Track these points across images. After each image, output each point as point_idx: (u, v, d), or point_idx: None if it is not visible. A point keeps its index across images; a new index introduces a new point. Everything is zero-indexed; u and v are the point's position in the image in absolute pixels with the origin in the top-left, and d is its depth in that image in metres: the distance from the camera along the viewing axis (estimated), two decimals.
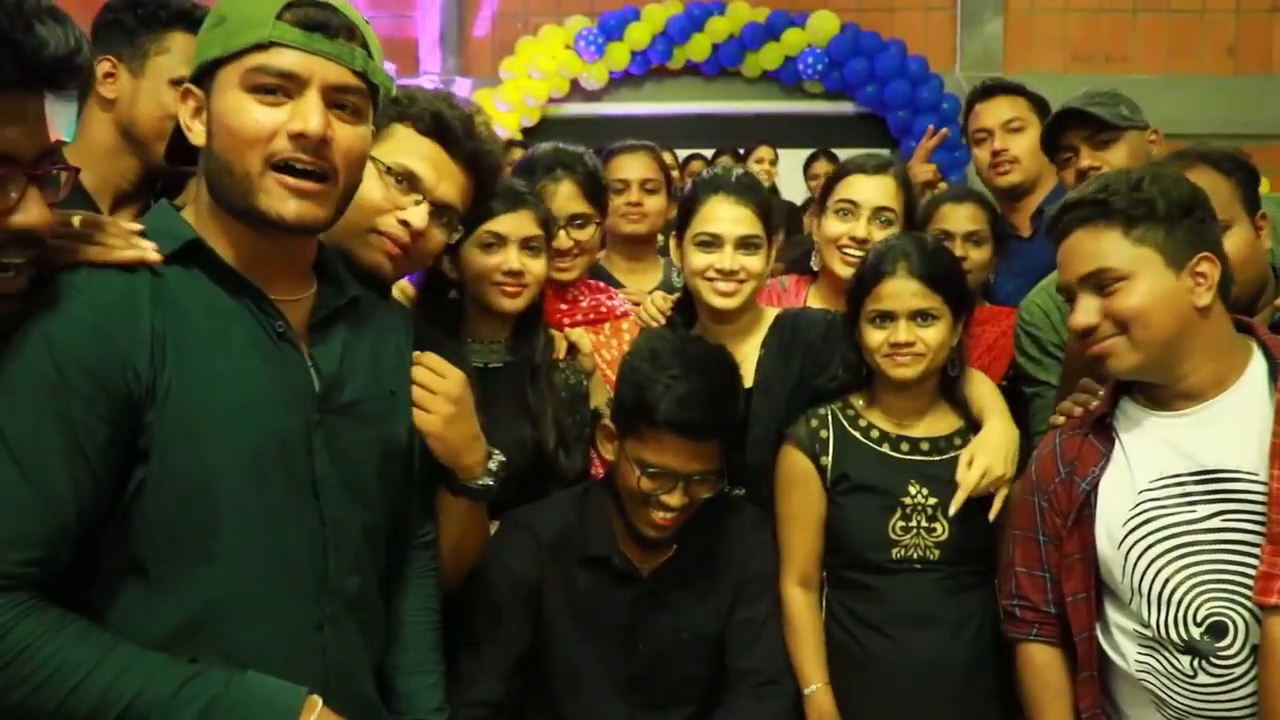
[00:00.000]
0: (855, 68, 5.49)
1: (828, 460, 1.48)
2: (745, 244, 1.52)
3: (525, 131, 5.52)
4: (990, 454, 1.37)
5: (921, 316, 1.42)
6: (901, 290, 1.42)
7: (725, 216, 1.53)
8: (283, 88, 0.92)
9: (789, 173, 5.06)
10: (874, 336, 1.45)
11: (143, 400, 0.89)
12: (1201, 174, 1.32)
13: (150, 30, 1.39)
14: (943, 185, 2.69)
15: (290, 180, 0.93)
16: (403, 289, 1.47)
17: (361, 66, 0.96)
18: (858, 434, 1.49)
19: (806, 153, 4.99)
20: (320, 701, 0.90)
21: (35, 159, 0.85)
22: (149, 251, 0.93)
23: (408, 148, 1.16)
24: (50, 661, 0.83)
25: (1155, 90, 6.10)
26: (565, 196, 1.72)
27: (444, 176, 1.19)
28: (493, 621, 1.36)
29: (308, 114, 0.91)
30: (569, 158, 1.76)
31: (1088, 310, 1.19)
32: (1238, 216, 1.33)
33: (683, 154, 4.93)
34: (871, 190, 1.73)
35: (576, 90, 5.64)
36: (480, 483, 1.19)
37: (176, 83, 1.22)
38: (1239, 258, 1.28)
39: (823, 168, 4.61)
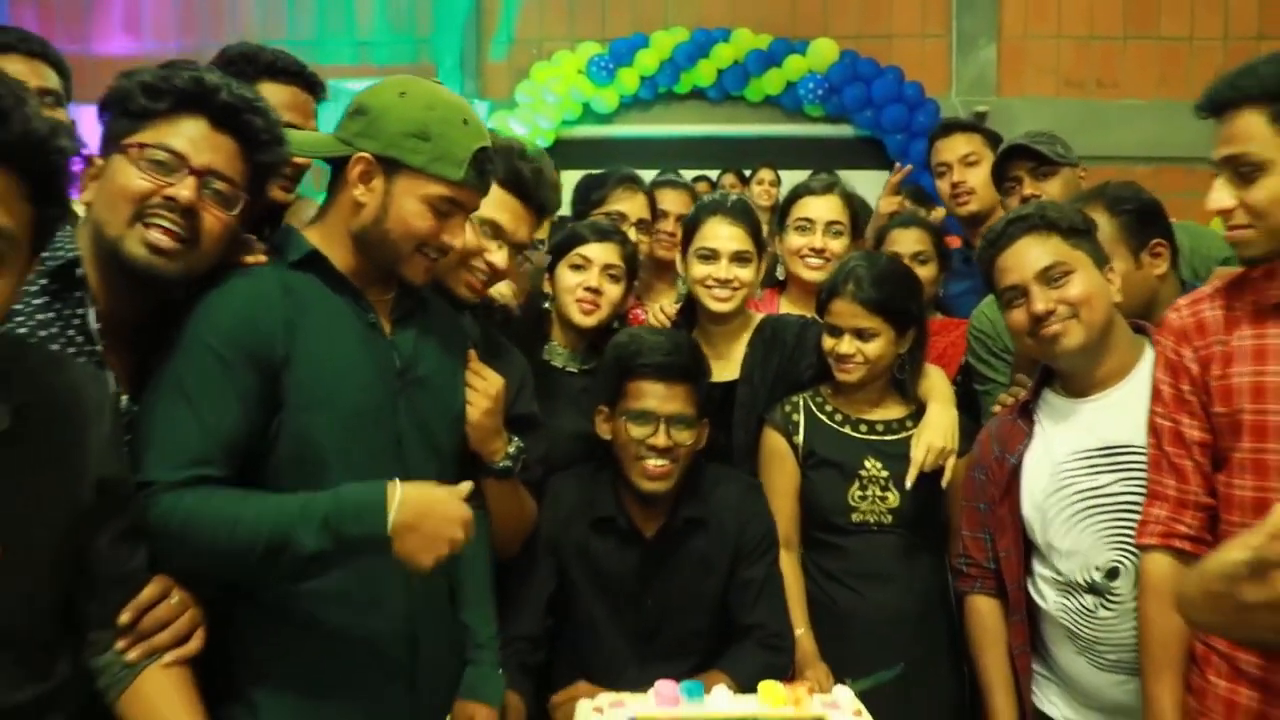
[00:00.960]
0: (854, 93, 5.63)
1: (799, 439, 1.70)
2: (738, 258, 1.77)
3: None
4: (932, 434, 1.60)
5: (861, 334, 1.65)
6: (845, 310, 1.65)
7: (722, 234, 1.79)
8: (452, 213, 1.27)
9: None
10: (827, 342, 1.69)
11: (279, 366, 1.17)
12: (1096, 211, 1.56)
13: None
14: (938, 210, 2.85)
15: (427, 263, 1.29)
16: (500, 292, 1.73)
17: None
18: (824, 417, 1.71)
19: (807, 174, 5.12)
20: (399, 483, 1.14)
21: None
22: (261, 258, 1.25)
23: (494, 201, 1.42)
24: (212, 517, 1.10)
25: (1144, 115, 6.27)
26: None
27: (520, 223, 1.49)
28: (527, 573, 1.59)
29: (461, 234, 1.30)
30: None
31: (1047, 299, 1.41)
32: (1115, 251, 1.55)
33: (690, 174, 5.11)
34: (822, 208, 2.01)
35: (588, 113, 5.82)
36: (501, 464, 1.43)
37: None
38: (1135, 289, 1.53)
39: (766, 175, 4.93)
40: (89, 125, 1.27)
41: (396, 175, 1.24)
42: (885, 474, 1.64)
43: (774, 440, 1.73)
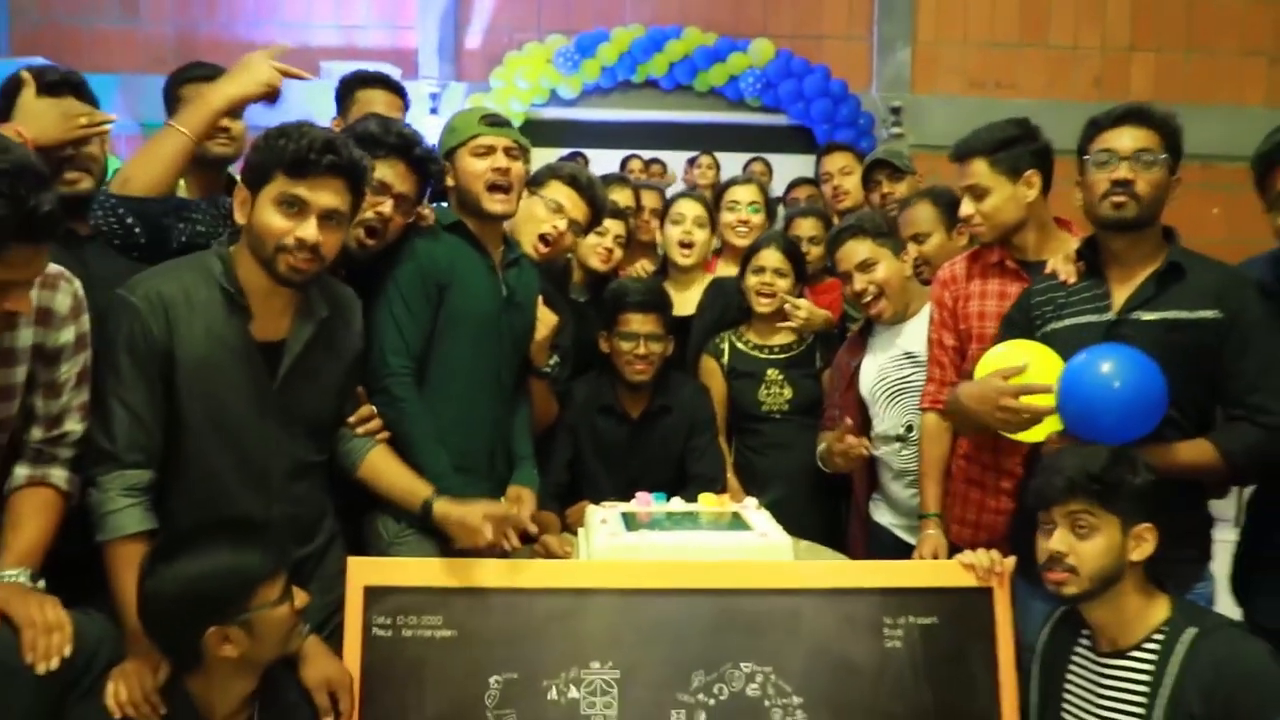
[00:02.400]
0: (787, 87, 6.29)
1: (725, 360, 2.50)
2: (699, 223, 2.62)
3: None
4: (810, 310, 2.45)
5: (779, 273, 2.46)
6: (770, 257, 2.45)
7: (687, 211, 2.63)
8: (490, 150, 1.93)
9: (731, 173, 5.89)
10: (750, 280, 2.47)
11: (442, 295, 1.86)
12: (925, 201, 2.40)
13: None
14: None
15: (498, 194, 1.94)
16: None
17: (517, 139, 1.97)
18: (741, 345, 2.51)
19: (746, 157, 5.76)
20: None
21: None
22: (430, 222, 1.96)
23: (560, 193, 2.19)
24: (416, 423, 1.85)
25: (1036, 112, 6.75)
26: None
27: (576, 207, 2.21)
28: (554, 443, 2.35)
29: (502, 160, 1.94)
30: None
31: (862, 281, 2.22)
32: (937, 229, 2.37)
33: (646, 154, 5.76)
34: (745, 193, 2.81)
35: (555, 98, 6.38)
36: (545, 370, 2.17)
37: None
38: (941, 253, 2.33)
39: (759, 169, 5.44)
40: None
41: (455, 158, 1.98)
42: (781, 378, 2.45)
43: (709, 364, 2.54)
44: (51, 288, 1.45)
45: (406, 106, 2.39)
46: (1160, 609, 1.54)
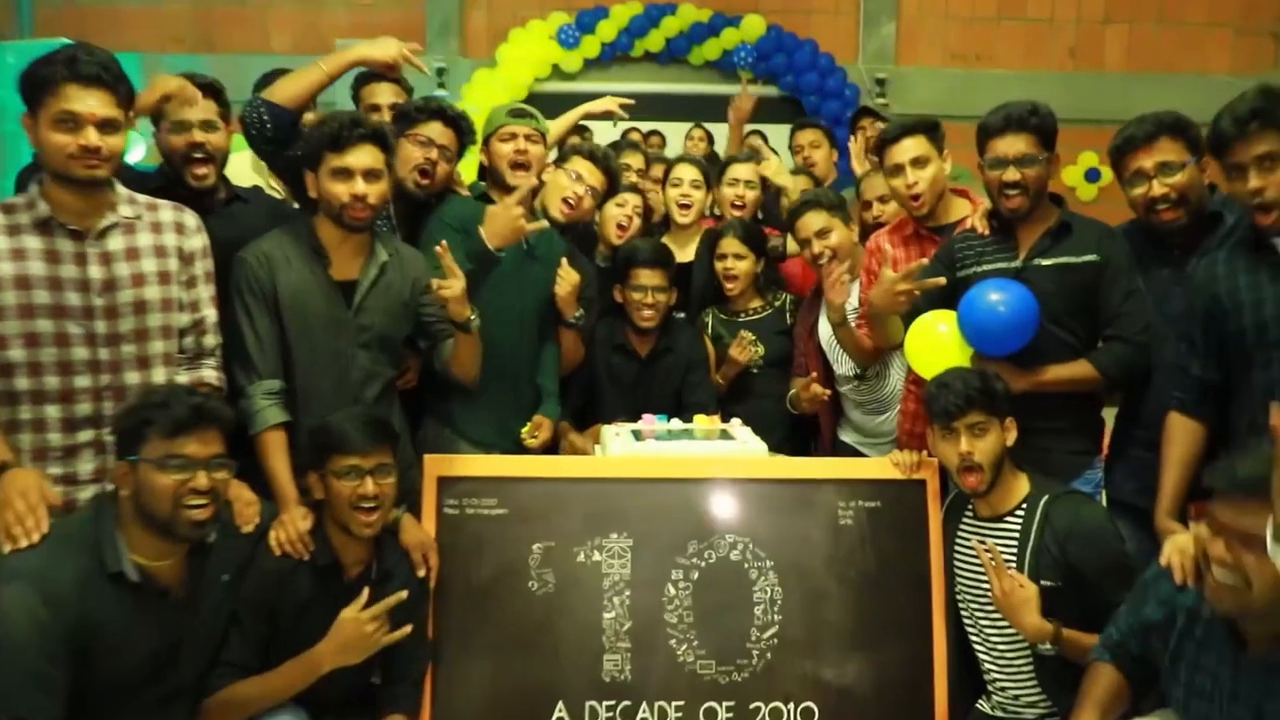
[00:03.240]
0: (777, 60, 6.62)
1: (709, 331, 2.89)
2: (695, 185, 3.03)
3: None
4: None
5: (739, 256, 2.83)
6: (728, 245, 2.83)
7: (684, 175, 3.03)
8: (514, 136, 2.40)
9: (723, 141, 6.20)
10: (718, 265, 2.86)
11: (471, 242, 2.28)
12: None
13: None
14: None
15: (520, 170, 2.45)
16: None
17: (537, 126, 2.42)
18: (723, 315, 2.91)
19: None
20: None
21: None
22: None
23: (581, 166, 2.57)
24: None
25: (1013, 83, 7.37)
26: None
27: (593, 176, 2.59)
28: (577, 380, 2.77)
29: (523, 144, 2.43)
30: None
31: (819, 245, 2.60)
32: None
33: (645, 126, 6.09)
34: (744, 171, 3.18)
35: (557, 72, 6.71)
36: (572, 320, 2.57)
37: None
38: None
39: (698, 134, 5.64)
40: None
41: (490, 144, 2.52)
42: (753, 338, 2.83)
43: (699, 332, 2.97)
44: (180, 210, 1.96)
45: (409, 91, 2.79)
46: (1024, 484, 2.01)
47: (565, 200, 2.58)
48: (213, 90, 2.22)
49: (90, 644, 1.54)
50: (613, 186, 2.72)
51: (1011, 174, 2.13)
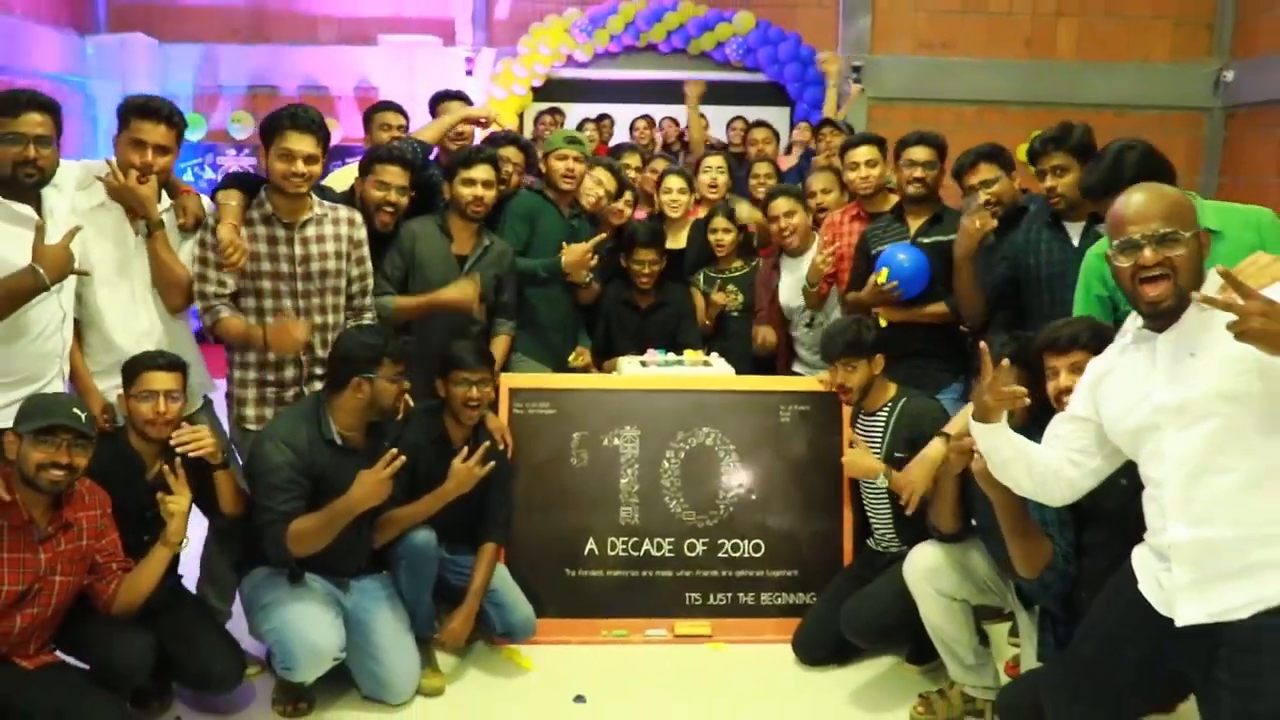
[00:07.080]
0: (765, 51, 7.44)
1: (699, 287, 3.83)
2: (681, 191, 3.95)
3: (535, 90, 7.48)
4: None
5: (725, 230, 3.79)
6: (720, 221, 3.77)
7: (673, 185, 3.95)
8: (565, 157, 3.41)
9: (718, 124, 6.61)
10: (710, 237, 3.80)
11: (533, 225, 3.36)
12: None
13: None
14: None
15: (567, 180, 3.52)
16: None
17: (582, 150, 3.43)
18: (712, 274, 3.85)
19: (731, 110, 6.58)
20: None
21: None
22: None
23: (601, 175, 3.57)
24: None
25: (976, 69, 8.26)
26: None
27: (609, 181, 3.60)
28: (599, 323, 3.79)
29: (570, 164, 3.44)
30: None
31: (784, 223, 3.68)
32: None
33: (642, 110, 6.61)
34: (715, 161, 4.12)
35: (571, 61, 7.55)
36: (580, 282, 3.59)
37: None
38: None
39: (739, 124, 6.11)
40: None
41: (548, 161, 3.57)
42: (734, 288, 3.79)
43: (694, 290, 3.90)
44: (351, 211, 2.92)
45: (407, 119, 3.75)
46: (891, 390, 2.98)
47: (586, 196, 3.62)
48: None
49: (316, 477, 2.58)
50: (620, 187, 3.72)
51: (919, 172, 3.18)
